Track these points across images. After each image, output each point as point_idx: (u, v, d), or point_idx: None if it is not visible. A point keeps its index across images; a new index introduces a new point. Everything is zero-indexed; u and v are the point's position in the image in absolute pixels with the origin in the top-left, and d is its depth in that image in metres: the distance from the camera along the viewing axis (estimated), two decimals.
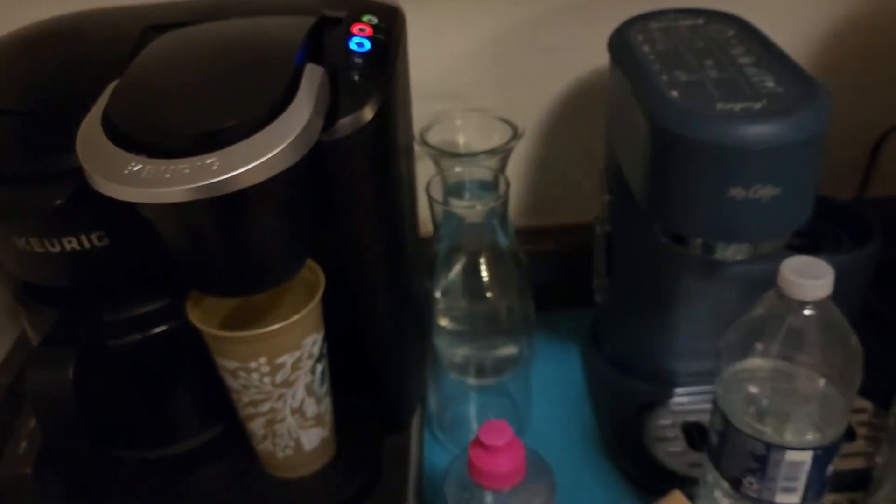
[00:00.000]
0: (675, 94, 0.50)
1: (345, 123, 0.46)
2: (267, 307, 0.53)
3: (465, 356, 0.70)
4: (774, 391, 0.49)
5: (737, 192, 0.47)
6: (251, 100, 0.41)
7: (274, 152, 0.39)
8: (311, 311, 0.49)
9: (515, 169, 0.77)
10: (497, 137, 0.68)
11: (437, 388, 0.71)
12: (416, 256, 0.63)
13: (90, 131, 0.42)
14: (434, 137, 0.67)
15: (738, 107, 0.47)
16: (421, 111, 0.65)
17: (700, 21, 0.60)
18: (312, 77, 0.45)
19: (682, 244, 0.54)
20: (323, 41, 0.51)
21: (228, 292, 0.49)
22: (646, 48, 0.57)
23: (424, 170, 0.67)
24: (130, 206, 0.41)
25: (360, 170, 0.49)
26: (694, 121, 0.47)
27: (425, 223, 0.67)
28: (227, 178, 0.38)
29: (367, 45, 0.50)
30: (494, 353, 0.71)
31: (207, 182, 0.38)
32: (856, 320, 0.47)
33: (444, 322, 0.67)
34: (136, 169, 0.39)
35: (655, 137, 0.50)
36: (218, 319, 0.52)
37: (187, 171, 0.38)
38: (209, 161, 0.39)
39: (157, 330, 0.52)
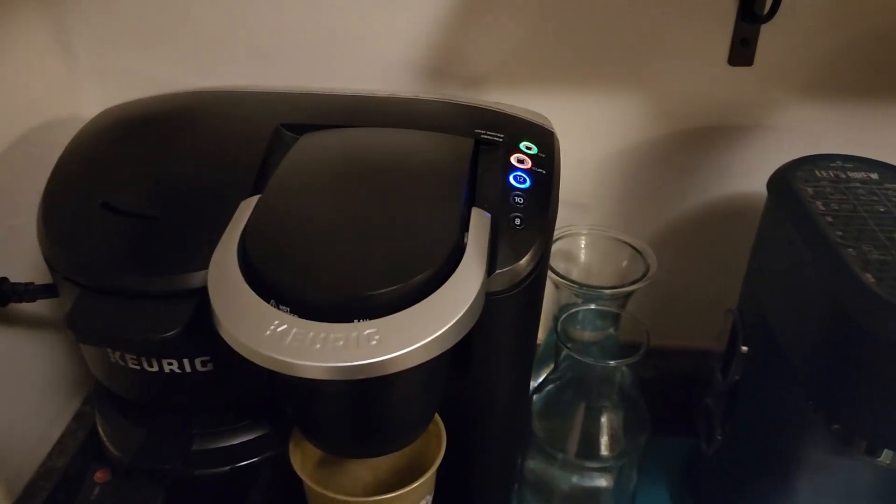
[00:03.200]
0: (870, 278, 0.43)
1: (501, 276, 0.41)
2: None
3: (553, 481, 0.63)
4: None
5: None
6: (419, 255, 0.36)
7: (446, 327, 0.33)
8: (431, 474, 0.43)
9: None
10: (621, 261, 0.62)
11: None
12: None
13: (224, 266, 0.37)
14: (554, 252, 0.62)
15: None
16: None
17: (874, 176, 0.54)
18: (481, 226, 0.39)
19: (845, 441, 0.47)
20: (477, 167, 0.45)
21: (349, 455, 0.43)
22: (819, 205, 0.51)
23: None
24: None
25: (508, 322, 0.43)
26: None
27: None
28: (388, 359, 0.32)
29: (528, 181, 0.44)
30: (587, 485, 0.65)
31: (365, 362, 0.32)
32: None
33: (536, 447, 0.61)
34: (280, 330, 0.33)
35: (842, 326, 0.44)
36: (317, 457, 0.47)
37: (341, 343, 0.33)
38: (367, 332, 0.33)
39: (247, 463, 0.47)
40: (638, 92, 0.64)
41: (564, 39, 0.61)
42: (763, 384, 0.58)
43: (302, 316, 0.34)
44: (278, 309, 0.34)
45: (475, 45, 0.61)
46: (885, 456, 0.47)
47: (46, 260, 0.43)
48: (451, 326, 0.33)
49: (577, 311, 0.58)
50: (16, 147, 0.55)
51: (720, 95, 0.63)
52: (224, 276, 0.36)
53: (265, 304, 0.35)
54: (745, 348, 0.59)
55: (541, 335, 0.65)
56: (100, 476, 0.60)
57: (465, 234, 0.38)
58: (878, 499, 0.57)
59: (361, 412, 0.38)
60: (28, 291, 0.49)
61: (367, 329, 0.33)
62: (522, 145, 0.46)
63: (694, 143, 0.65)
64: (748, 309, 0.59)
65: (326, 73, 0.62)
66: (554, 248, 0.62)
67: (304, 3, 0.60)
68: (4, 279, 0.49)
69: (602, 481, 0.64)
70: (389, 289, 0.34)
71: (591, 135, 0.66)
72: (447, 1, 0.60)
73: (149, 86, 0.57)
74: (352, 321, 0.33)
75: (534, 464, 0.63)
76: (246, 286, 0.35)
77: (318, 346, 0.33)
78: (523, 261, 0.41)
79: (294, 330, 0.33)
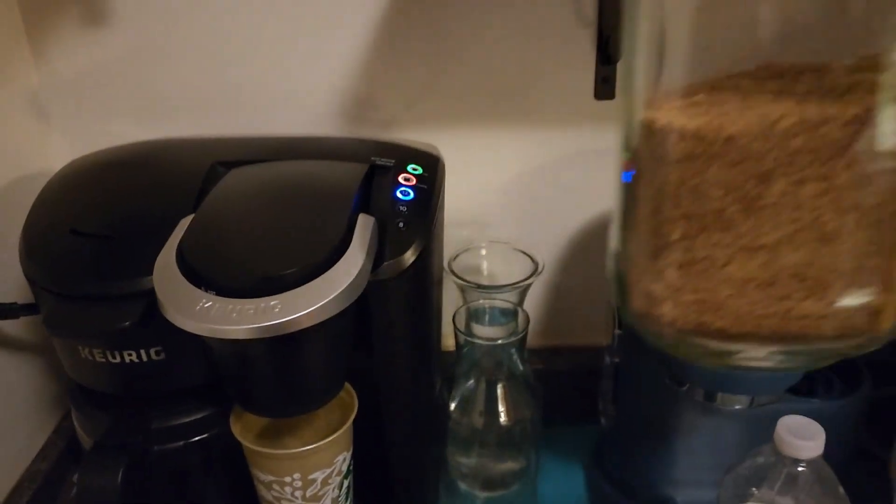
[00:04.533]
0: None
1: (388, 267, 0.52)
2: (302, 422, 0.57)
3: (475, 467, 0.73)
4: None
5: None
6: (311, 247, 0.47)
7: (330, 297, 0.44)
8: (345, 431, 0.54)
9: (532, 293, 0.82)
10: (518, 268, 0.73)
11: (448, 499, 0.75)
12: (438, 370, 0.68)
13: (165, 265, 0.48)
14: (460, 265, 0.73)
15: None
16: (449, 235, 0.70)
17: None
18: (365, 226, 0.50)
19: (685, 389, 0.58)
20: (372, 186, 0.57)
21: (273, 414, 0.54)
22: None
23: (447, 290, 0.72)
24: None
25: (399, 306, 0.54)
26: None
27: (447, 336, 0.72)
28: (287, 320, 0.43)
29: (412, 194, 0.56)
30: (502, 466, 0.75)
31: (270, 323, 0.43)
32: (848, 458, 0.51)
33: (456, 434, 0.71)
34: (206, 305, 0.44)
35: None
36: (256, 431, 0.57)
37: (252, 311, 0.44)
38: (272, 303, 0.44)
39: (198, 438, 0.57)
40: (527, 125, 0.76)
41: (461, 84, 0.74)
42: (635, 361, 0.69)
43: (223, 295, 0.45)
44: (206, 292, 0.45)
45: (384, 92, 0.74)
46: (720, 399, 0.58)
47: (27, 277, 0.54)
48: (334, 297, 0.45)
49: (480, 308, 0.69)
50: None
51: (592, 125, 0.76)
52: (166, 272, 0.47)
53: (196, 289, 0.45)
54: (618, 331, 0.70)
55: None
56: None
57: (353, 233, 0.49)
58: (739, 447, 0.67)
59: (277, 372, 0.49)
60: (12, 310, 0.59)
61: (272, 301, 0.44)
62: (409, 167, 0.58)
63: (577, 165, 0.77)
64: None
65: (259, 122, 0.74)
66: (458, 260, 0.73)
67: (239, 65, 0.72)
68: None
69: (513, 464, 0.75)
70: (286, 272, 0.45)
71: (492, 163, 0.78)
72: (357, 58, 0.72)
73: (111, 141, 0.68)
74: (260, 297, 0.44)
75: (456, 457, 0.73)
76: (182, 277, 0.46)
77: (235, 315, 0.44)
78: (406, 254, 0.52)
79: (217, 305, 0.44)
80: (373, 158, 0.58)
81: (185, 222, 0.51)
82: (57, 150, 0.75)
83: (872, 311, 0.34)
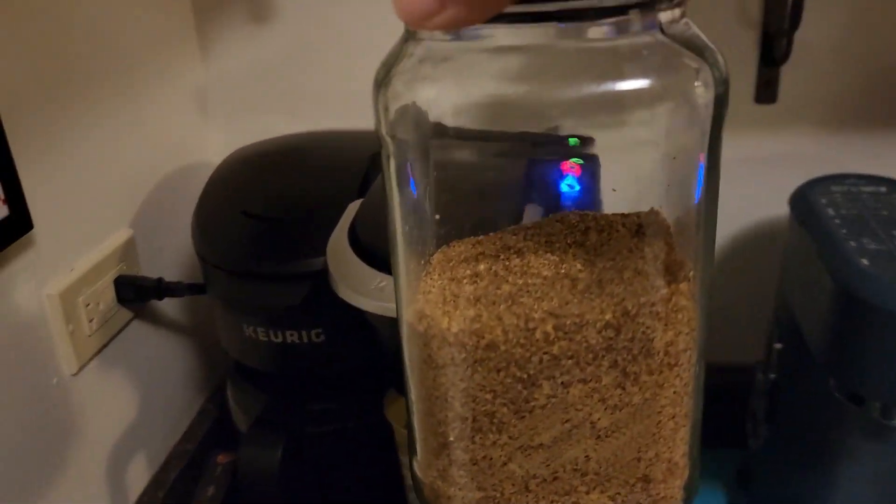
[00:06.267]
0: (864, 261, 0.52)
1: None
2: None
3: None
4: None
5: None
6: None
7: None
8: None
9: None
10: None
11: None
12: None
13: (339, 246, 0.48)
14: None
15: None
16: None
17: (882, 189, 0.63)
18: (532, 216, 0.50)
19: (858, 404, 0.55)
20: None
21: None
22: (830, 211, 0.59)
23: None
24: (352, 311, 0.46)
25: None
26: (885, 291, 0.49)
27: None
28: None
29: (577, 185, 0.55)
30: None
31: None
32: None
33: None
34: (381, 285, 0.44)
35: (843, 302, 0.52)
36: (403, 420, 0.57)
37: None
38: None
39: (350, 421, 0.57)
40: None
41: None
42: (796, 377, 0.65)
43: None
44: (380, 272, 0.46)
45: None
46: None
47: (199, 255, 0.56)
48: None
49: None
50: (163, 185, 0.69)
51: (750, 129, 0.73)
52: (339, 253, 0.48)
53: (371, 269, 0.46)
54: (778, 345, 0.67)
55: None
56: (221, 458, 0.72)
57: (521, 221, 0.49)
58: None
59: None
60: (178, 288, 0.62)
61: None
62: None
63: (735, 174, 0.75)
64: (781, 311, 0.67)
65: None
66: None
67: None
68: (161, 279, 0.62)
69: None
70: None
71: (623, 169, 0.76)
72: None
73: (264, 134, 0.70)
74: None
75: None
76: (356, 258, 0.47)
77: None
78: None
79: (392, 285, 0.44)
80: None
81: (353, 206, 0.52)
82: (213, 142, 0.78)
83: (659, 499, 0.34)
